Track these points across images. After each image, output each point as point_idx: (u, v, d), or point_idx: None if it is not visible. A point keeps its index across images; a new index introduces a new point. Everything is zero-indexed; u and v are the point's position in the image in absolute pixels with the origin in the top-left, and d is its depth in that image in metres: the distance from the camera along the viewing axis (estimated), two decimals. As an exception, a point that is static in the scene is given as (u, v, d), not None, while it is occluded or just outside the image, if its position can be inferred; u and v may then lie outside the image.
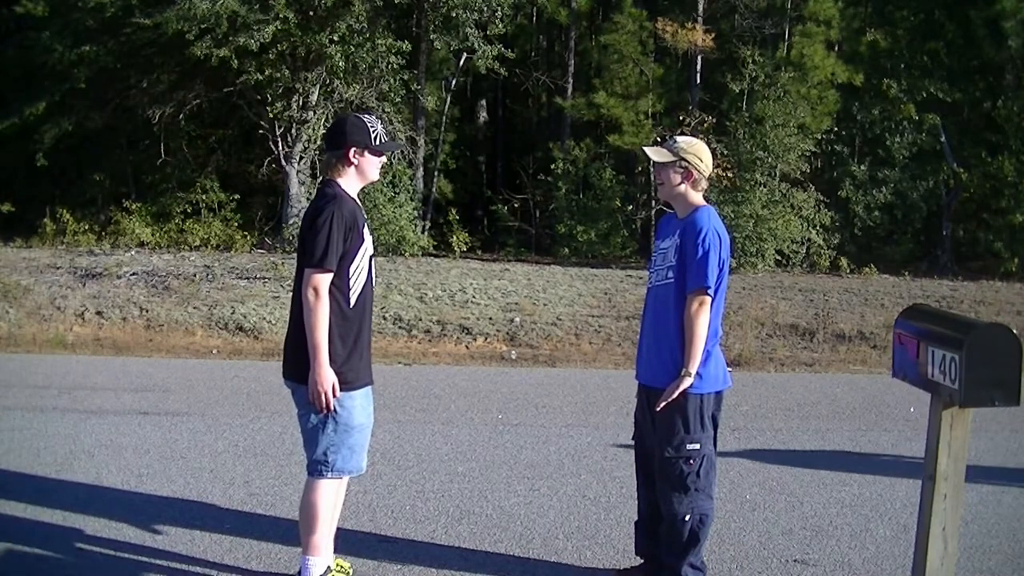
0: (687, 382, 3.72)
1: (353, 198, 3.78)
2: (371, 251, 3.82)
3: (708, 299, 3.72)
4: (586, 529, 4.75)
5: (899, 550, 4.49)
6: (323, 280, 3.60)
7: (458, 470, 5.68)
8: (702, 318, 3.71)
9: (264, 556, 4.24)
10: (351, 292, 3.71)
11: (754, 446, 6.42)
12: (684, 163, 3.87)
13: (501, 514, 4.93)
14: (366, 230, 3.78)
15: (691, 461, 3.78)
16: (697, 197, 3.91)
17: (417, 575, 4.15)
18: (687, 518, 3.79)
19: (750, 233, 16.75)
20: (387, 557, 4.30)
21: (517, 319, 11.19)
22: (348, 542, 4.31)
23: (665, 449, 3.83)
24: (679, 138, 4.00)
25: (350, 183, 3.80)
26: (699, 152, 3.90)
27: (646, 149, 4.04)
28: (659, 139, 18.44)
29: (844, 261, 17.30)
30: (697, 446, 3.79)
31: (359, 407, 3.76)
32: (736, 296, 13.12)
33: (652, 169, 4.04)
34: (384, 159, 3.92)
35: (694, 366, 3.72)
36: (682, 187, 3.89)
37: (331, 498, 3.80)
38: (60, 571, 4.06)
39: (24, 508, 4.74)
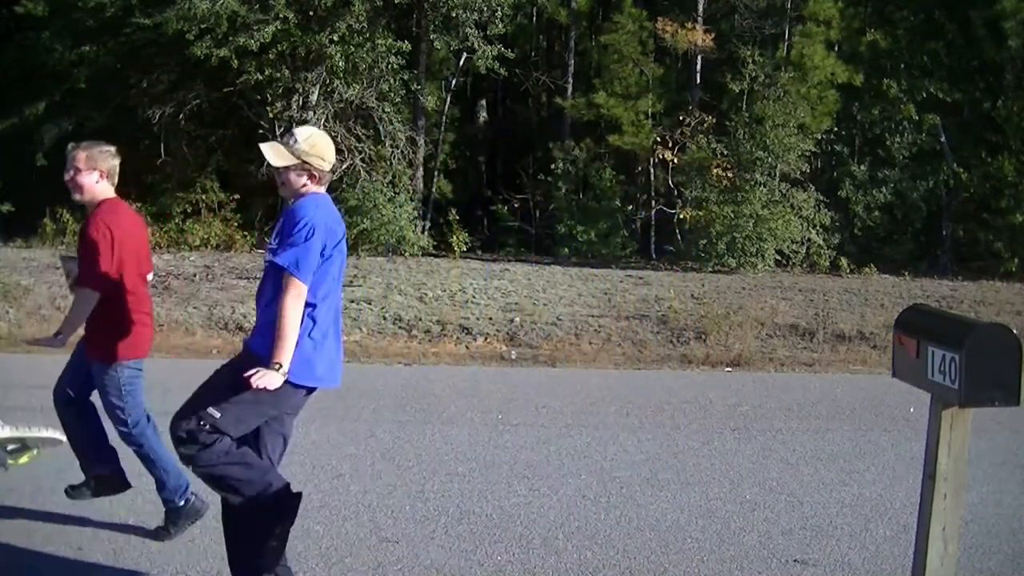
0: (273, 375, 3.40)
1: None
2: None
3: (302, 286, 3.47)
4: (586, 529, 4.75)
5: (899, 550, 4.49)
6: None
7: (458, 470, 5.68)
8: (295, 307, 3.45)
9: (264, 556, 4.23)
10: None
11: (754, 446, 6.42)
12: (307, 166, 3.61)
13: (501, 514, 4.92)
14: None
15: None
16: (316, 189, 3.67)
17: (417, 575, 4.15)
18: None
19: (750, 233, 16.75)
20: (387, 557, 4.30)
21: (517, 319, 11.19)
22: (348, 542, 4.31)
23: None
24: (298, 133, 3.67)
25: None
26: (322, 152, 3.64)
27: (262, 147, 3.70)
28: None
29: (844, 261, 17.30)
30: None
31: None
32: (736, 296, 13.13)
33: (270, 167, 3.64)
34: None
35: (284, 356, 3.41)
36: (306, 187, 3.64)
37: None
38: (60, 571, 4.06)
39: (24, 508, 4.74)
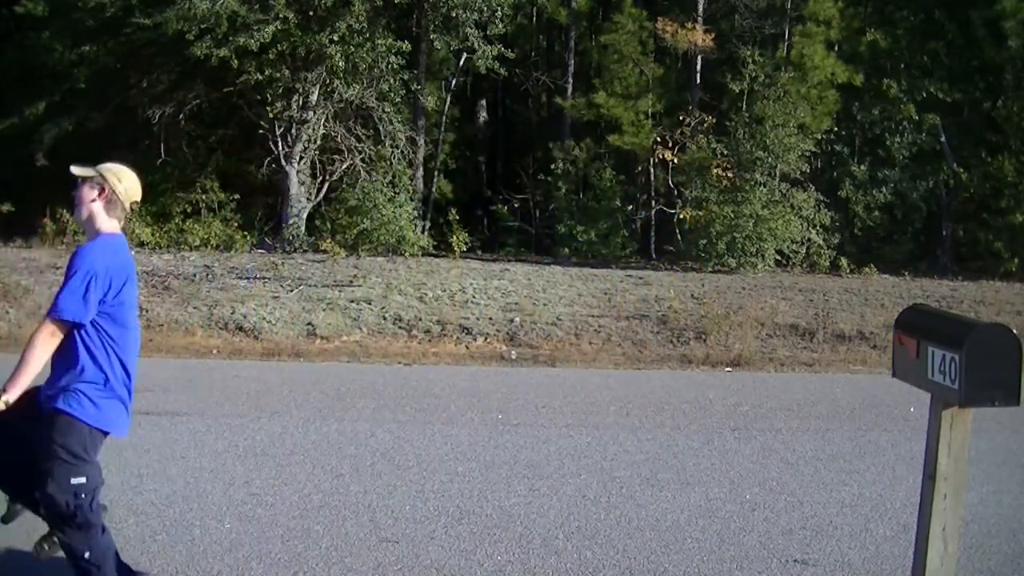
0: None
1: None
2: None
3: (59, 330, 3.51)
4: (586, 529, 4.75)
5: (899, 550, 4.49)
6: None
7: (458, 470, 5.68)
8: (45, 346, 3.51)
9: (264, 556, 4.24)
10: None
11: (754, 446, 6.42)
12: (101, 179, 3.65)
13: (501, 514, 4.93)
14: None
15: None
16: (108, 224, 3.67)
17: (417, 575, 4.15)
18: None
19: (750, 233, 16.75)
20: (387, 557, 4.30)
21: (517, 319, 11.19)
22: (348, 542, 4.30)
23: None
24: (111, 164, 3.78)
25: None
26: (121, 175, 3.70)
27: (72, 168, 3.74)
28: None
29: (844, 261, 17.28)
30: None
31: None
32: (736, 296, 13.13)
33: (74, 194, 3.71)
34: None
35: (16, 391, 3.43)
36: (95, 204, 3.64)
37: None
38: (60, 571, 4.06)
39: (24, 508, 4.73)
